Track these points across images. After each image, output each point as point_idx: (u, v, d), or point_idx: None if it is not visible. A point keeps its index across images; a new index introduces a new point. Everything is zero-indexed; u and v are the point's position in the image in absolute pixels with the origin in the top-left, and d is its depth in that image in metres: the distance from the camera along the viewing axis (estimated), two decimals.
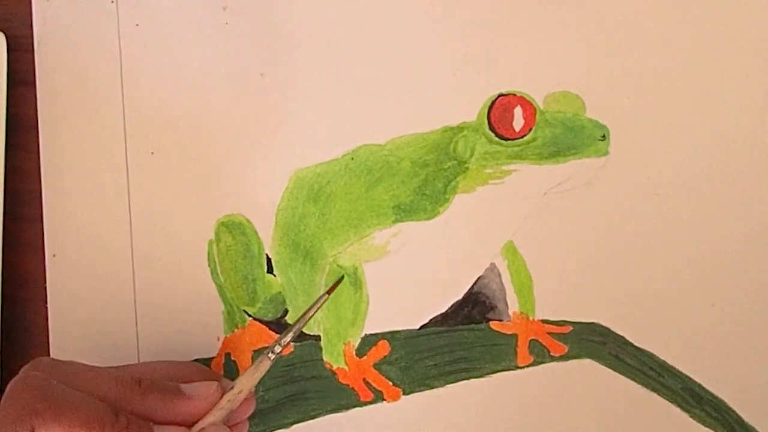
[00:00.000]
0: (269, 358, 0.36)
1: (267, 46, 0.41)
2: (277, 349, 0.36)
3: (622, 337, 0.39)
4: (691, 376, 0.38)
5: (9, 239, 0.42)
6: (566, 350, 0.39)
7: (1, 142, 0.42)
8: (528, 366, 0.39)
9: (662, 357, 0.39)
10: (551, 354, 0.39)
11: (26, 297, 0.42)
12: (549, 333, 0.39)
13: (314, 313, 0.37)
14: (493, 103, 0.39)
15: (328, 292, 0.38)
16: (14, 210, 0.42)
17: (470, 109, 0.40)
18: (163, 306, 0.41)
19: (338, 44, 0.40)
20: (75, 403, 0.31)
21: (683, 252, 0.39)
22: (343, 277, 0.40)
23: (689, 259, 0.39)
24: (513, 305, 0.40)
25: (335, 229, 0.40)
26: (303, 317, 0.37)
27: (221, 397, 0.34)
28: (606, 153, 0.39)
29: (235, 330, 0.41)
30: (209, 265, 0.41)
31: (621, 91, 0.39)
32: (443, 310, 0.40)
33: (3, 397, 0.31)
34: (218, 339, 0.41)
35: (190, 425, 0.34)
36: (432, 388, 0.40)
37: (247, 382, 0.35)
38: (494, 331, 0.40)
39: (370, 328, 0.40)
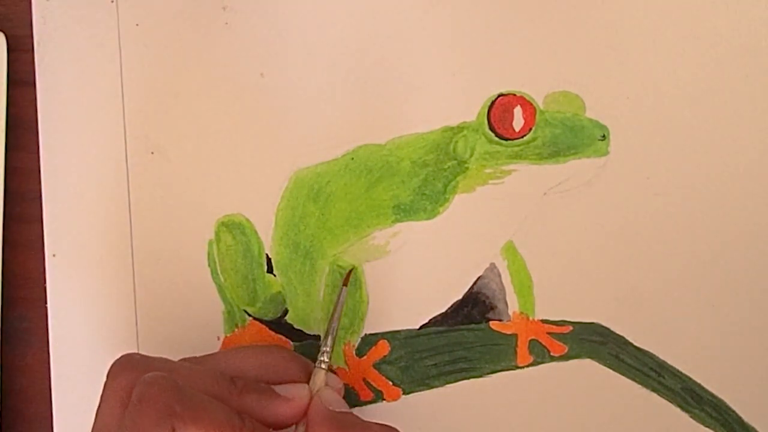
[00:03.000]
0: (323, 369, 0.36)
1: (267, 46, 0.41)
2: (326, 358, 0.36)
3: (622, 337, 0.39)
4: (691, 376, 0.38)
5: (9, 239, 0.42)
6: (566, 350, 0.39)
7: (1, 142, 0.42)
8: (528, 366, 0.39)
9: (662, 357, 0.39)
10: (551, 354, 0.39)
11: (26, 297, 0.42)
12: (549, 333, 0.39)
13: (341, 310, 0.38)
14: (493, 103, 0.39)
15: (345, 284, 0.38)
16: (14, 210, 0.42)
17: (470, 109, 0.40)
18: (163, 306, 0.41)
19: (338, 44, 0.40)
20: (208, 407, 0.31)
21: (683, 252, 0.39)
22: (353, 267, 0.40)
23: (689, 259, 0.39)
24: (513, 305, 0.40)
25: (335, 229, 0.40)
26: (333, 317, 0.37)
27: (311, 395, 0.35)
28: (606, 153, 0.39)
29: (235, 330, 0.41)
30: (209, 265, 0.41)
31: (621, 91, 0.39)
32: (443, 310, 0.40)
33: (133, 399, 0.31)
34: (218, 339, 0.41)
35: (282, 428, 0.34)
36: (432, 387, 0.40)
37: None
38: (494, 331, 0.40)
39: (370, 327, 0.40)
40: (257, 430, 0.32)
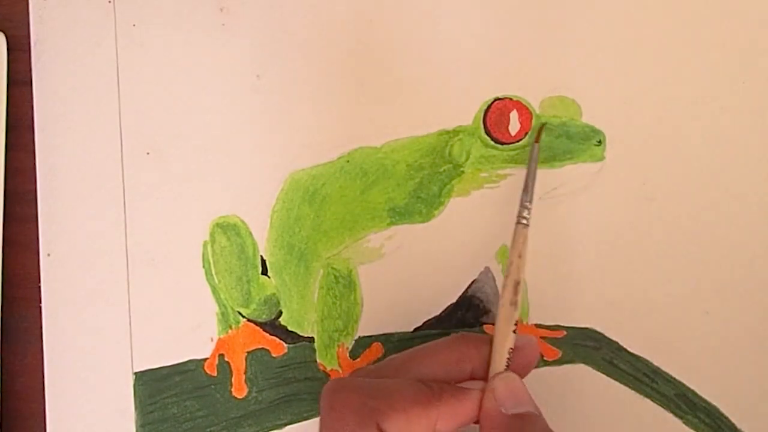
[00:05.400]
0: (524, 225, 0.35)
1: (263, 47, 0.41)
2: (527, 213, 0.36)
3: (616, 343, 0.39)
4: (685, 383, 0.38)
5: (8, 239, 0.42)
6: (559, 355, 0.39)
7: (1, 142, 0.42)
8: None
9: (656, 363, 0.39)
10: (544, 359, 0.39)
11: (23, 297, 0.42)
12: (542, 337, 0.39)
13: (536, 166, 0.37)
14: (489, 107, 0.39)
15: (536, 141, 0.38)
16: (12, 209, 0.42)
17: (466, 113, 0.40)
18: (156, 306, 0.41)
19: (335, 46, 0.40)
20: (396, 388, 0.31)
21: (678, 258, 0.39)
22: (545, 123, 0.39)
23: (683, 265, 0.38)
24: None
25: (330, 232, 0.40)
26: (529, 172, 0.36)
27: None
28: (602, 158, 0.39)
29: (229, 331, 0.41)
30: (204, 266, 0.41)
31: (617, 96, 0.39)
32: (437, 313, 0.40)
33: (326, 413, 0.31)
34: (212, 340, 0.41)
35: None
36: None
37: (518, 268, 0.34)
38: (488, 334, 0.40)
39: (364, 330, 0.40)
40: (447, 390, 0.31)
